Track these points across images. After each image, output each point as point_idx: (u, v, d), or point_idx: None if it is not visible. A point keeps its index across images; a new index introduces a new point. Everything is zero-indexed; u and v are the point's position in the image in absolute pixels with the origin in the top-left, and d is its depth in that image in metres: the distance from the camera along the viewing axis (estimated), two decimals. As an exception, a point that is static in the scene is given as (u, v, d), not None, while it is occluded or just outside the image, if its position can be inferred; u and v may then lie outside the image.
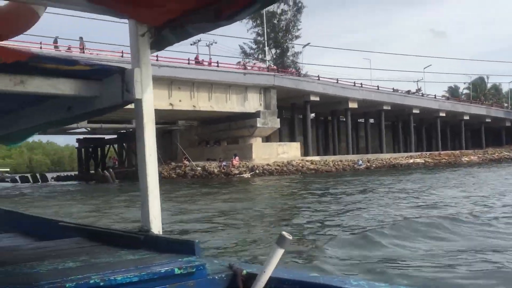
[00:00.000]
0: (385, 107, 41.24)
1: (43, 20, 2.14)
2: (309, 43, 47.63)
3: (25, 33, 2.23)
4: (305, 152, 35.28)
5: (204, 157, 32.32)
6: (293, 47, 53.07)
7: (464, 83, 69.67)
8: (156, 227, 1.81)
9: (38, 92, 1.82)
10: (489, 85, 73.56)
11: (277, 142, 34.80)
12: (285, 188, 18.06)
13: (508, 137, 54.39)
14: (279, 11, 50.89)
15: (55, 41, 26.54)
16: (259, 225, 8.03)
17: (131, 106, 1.87)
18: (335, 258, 4.85)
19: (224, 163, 29.01)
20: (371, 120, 44.99)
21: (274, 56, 52.54)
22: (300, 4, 52.04)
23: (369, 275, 4.05)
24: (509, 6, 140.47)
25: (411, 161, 37.70)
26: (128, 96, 1.77)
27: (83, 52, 25.94)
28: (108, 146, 43.87)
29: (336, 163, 33.08)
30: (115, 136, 42.05)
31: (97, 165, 41.58)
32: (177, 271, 1.43)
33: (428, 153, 43.24)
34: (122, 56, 25.18)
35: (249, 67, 36.37)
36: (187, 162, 30.24)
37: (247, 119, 31.52)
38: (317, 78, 36.87)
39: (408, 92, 46.12)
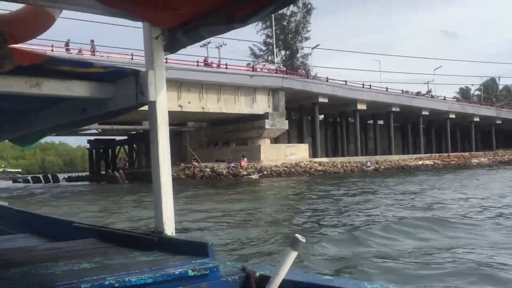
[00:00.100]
0: (394, 109, 40.99)
1: (55, 24, 2.16)
2: (318, 45, 47.75)
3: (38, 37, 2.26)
4: (314, 154, 35.18)
5: (213, 158, 32.37)
6: (302, 48, 53.08)
7: (473, 85, 69.00)
8: (170, 228, 1.82)
9: (53, 94, 1.83)
10: (500, 87, 72.75)
11: (285, 144, 34.75)
12: (292, 189, 18.04)
13: (519, 139, 53.89)
14: (288, 12, 50.77)
15: (67, 44, 26.75)
16: (266, 225, 8.05)
17: (143, 108, 1.88)
18: (324, 256, 5.00)
19: (232, 164, 29.04)
20: (380, 122, 44.73)
21: (284, 58, 52.45)
22: (309, 6, 52.00)
23: (356, 272, 4.25)
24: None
25: (420, 162, 37.39)
26: (142, 98, 1.77)
27: (94, 55, 26.18)
28: (118, 147, 44.17)
29: (344, 165, 32.96)
30: (126, 137, 42.31)
31: (107, 166, 41.88)
32: (190, 273, 1.44)
33: (437, 154, 42.88)
34: (132, 59, 25.43)
35: (258, 69, 36.37)
36: (196, 163, 30.33)
37: (255, 120, 31.52)
38: (326, 79, 36.78)
39: (418, 93, 45.79)
